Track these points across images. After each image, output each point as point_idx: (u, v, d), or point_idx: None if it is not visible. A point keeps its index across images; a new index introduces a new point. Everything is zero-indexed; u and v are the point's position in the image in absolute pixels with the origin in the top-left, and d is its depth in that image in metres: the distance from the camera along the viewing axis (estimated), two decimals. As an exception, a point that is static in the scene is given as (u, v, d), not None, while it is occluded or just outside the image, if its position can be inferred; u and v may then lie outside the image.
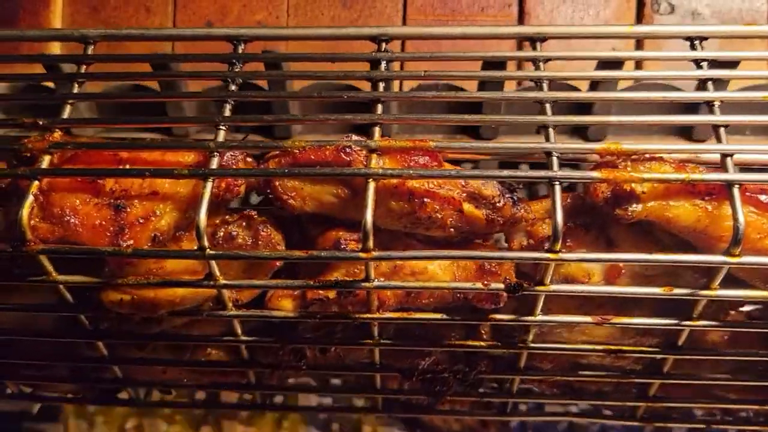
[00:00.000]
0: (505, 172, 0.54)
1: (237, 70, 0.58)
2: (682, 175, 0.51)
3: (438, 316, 0.62)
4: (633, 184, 0.52)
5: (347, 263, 0.59)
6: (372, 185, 0.52)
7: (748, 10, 0.87)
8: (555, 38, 0.62)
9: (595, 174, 0.52)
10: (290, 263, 0.60)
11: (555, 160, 0.52)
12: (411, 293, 0.62)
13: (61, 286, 0.58)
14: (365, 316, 0.61)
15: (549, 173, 0.51)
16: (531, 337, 0.64)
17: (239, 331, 0.64)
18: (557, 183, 0.51)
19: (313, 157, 0.55)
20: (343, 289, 0.57)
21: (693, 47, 0.58)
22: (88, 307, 0.60)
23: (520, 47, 0.86)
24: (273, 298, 0.62)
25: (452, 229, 0.57)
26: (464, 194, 0.57)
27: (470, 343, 0.66)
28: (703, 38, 0.59)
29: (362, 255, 0.52)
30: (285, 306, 0.62)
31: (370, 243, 0.51)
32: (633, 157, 0.53)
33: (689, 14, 0.87)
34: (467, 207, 0.58)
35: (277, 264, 0.59)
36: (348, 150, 0.54)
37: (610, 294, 0.57)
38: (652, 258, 0.52)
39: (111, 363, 0.68)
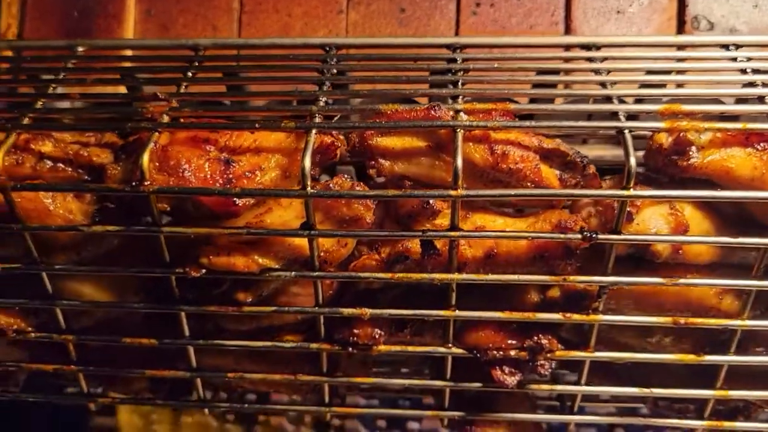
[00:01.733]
0: (580, 123, 0.68)
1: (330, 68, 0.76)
2: (739, 125, 0.65)
3: (514, 276, 0.73)
4: (693, 134, 0.66)
5: (430, 223, 0.72)
6: (460, 134, 0.66)
7: (782, 27, 1.06)
8: (608, 47, 0.79)
9: (660, 124, 0.66)
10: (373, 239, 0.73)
11: (622, 116, 0.66)
12: (490, 256, 0.74)
13: (162, 237, 0.69)
14: (446, 276, 0.72)
15: (619, 123, 0.66)
16: (601, 305, 0.74)
17: (320, 296, 0.74)
18: (627, 131, 0.65)
19: (405, 116, 0.69)
20: (428, 238, 0.69)
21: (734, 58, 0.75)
22: (182, 265, 0.71)
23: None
24: (359, 262, 0.74)
25: (530, 183, 0.70)
26: (540, 152, 0.71)
27: (542, 315, 0.76)
28: (739, 45, 0.76)
29: (452, 192, 0.65)
30: (369, 265, 0.74)
31: (460, 181, 0.64)
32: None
33: (727, 30, 1.07)
34: (543, 166, 0.71)
35: (368, 220, 0.71)
36: (437, 108, 0.69)
37: (681, 243, 0.69)
38: (719, 195, 0.65)
39: (190, 342, 0.78)
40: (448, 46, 0.82)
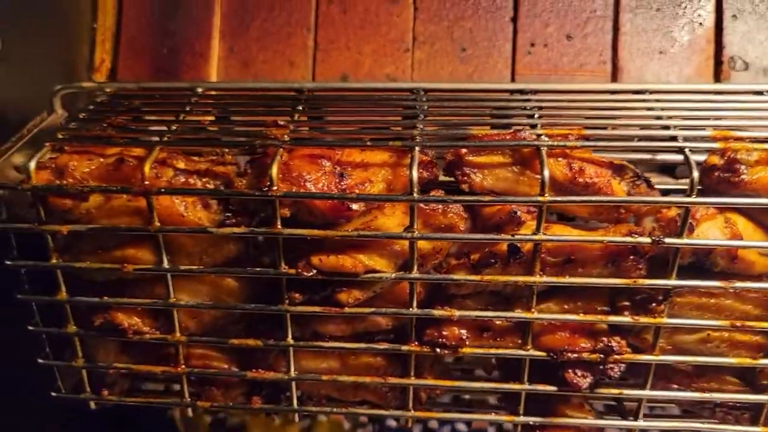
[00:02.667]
0: (646, 143, 0.83)
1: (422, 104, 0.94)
2: (783, 145, 0.81)
3: (591, 279, 0.87)
4: (743, 153, 0.81)
5: (515, 232, 0.86)
6: (544, 150, 0.81)
7: (810, 68, 1.23)
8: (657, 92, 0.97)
9: (714, 145, 0.82)
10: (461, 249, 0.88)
11: (681, 139, 0.82)
12: (567, 261, 0.87)
13: (280, 239, 0.83)
14: (529, 278, 0.86)
15: (680, 144, 0.81)
16: (666, 309, 0.87)
17: (415, 298, 0.88)
18: (687, 149, 0.80)
19: (495, 138, 0.85)
20: (516, 242, 0.83)
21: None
22: (292, 266, 0.85)
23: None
24: (450, 267, 0.88)
25: (603, 196, 0.85)
26: (610, 168, 0.86)
27: (614, 318, 0.90)
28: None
29: (540, 198, 0.80)
30: (460, 270, 0.88)
31: (547, 189, 0.79)
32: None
33: (761, 71, 1.23)
34: (613, 181, 0.86)
35: (461, 228, 0.85)
36: (522, 131, 0.85)
37: (738, 247, 0.83)
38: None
39: (293, 345, 0.91)
40: (521, 91, 0.99)
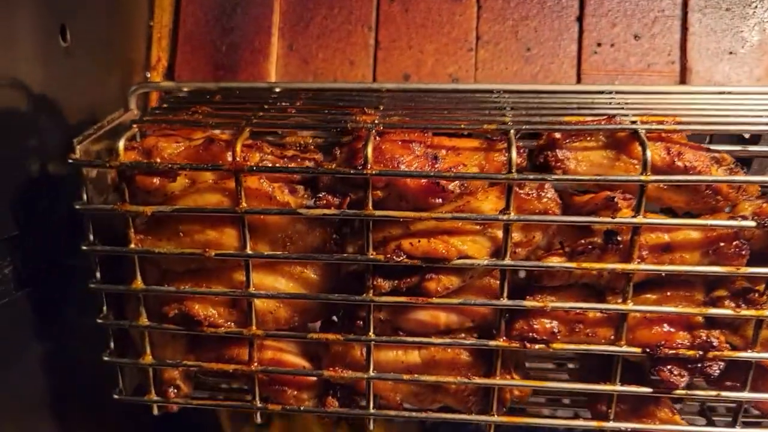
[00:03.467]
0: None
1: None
2: None
3: (692, 267, 0.86)
4: None
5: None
6: (643, 132, 0.82)
7: None
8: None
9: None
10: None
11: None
12: (665, 250, 0.87)
13: (370, 222, 0.83)
14: (626, 266, 0.86)
15: None
16: (770, 301, 0.87)
17: (506, 286, 0.87)
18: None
19: (589, 123, 0.86)
20: (614, 224, 0.83)
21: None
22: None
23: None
24: (544, 256, 0.88)
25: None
26: (709, 155, 0.87)
27: (714, 310, 0.89)
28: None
29: (642, 177, 0.81)
30: (553, 259, 0.87)
31: (649, 169, 0.79)
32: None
33: (831, 71, 1.25)
34: (713, 168, 0.87)
35: (556, 211, 0.86)
36: (616, 117, 0.86)
37: None
38: None
39: (374, 339, 0.90)
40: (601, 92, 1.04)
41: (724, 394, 0.94)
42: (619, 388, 0.92)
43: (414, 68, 1.30)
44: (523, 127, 0.87)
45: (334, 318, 0.98)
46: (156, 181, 0.83)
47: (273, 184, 0.86)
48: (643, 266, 0.86)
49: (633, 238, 0.85)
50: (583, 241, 0.87)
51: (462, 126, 0.88)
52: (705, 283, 0.93)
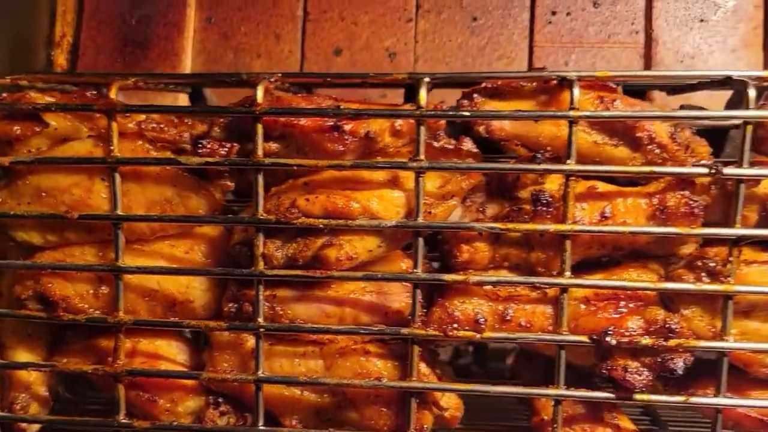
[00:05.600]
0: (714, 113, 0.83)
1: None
2: None
3: (635, 228, 0.79)
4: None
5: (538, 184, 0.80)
6: (572, 76, 0.76)
7: None
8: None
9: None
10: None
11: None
12: (603, 217, 0.80)
13: (260, 177, 0.77)
14: (560, 226, 0.78)
15: (742, 112, 0.77)
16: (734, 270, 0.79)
17: (420, 253, 0.80)
18: (751, 123, 0.77)
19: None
20: (543, 172, 0.76)
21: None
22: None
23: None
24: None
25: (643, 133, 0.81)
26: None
27: (672, 285, 0.81)
28: None
29: (571, 114, 0.76)
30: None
31: (576, 104, 0.73)
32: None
33: (817, 40, 1.20)
34: (656, 123, 0.81)
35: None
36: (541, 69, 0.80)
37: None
38: None
39: (263, 326, 0.82)
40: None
41: (694, 399, 0.83)
42: (561, 392, 0.81)
43: (347, 42, 1.25)
44: (437, 74, 0.81)
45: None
46: (17, 129, 0.78)
47: (155, 144, 0.81)
48: (578, 227, 0.79)
49: (566, 192, 0.78)
50: (508, 209, 0.81)
51: (370, 74, 0.83)
52: (660, 261, 0.86)
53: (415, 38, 1.25)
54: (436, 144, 0.81)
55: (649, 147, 0.83)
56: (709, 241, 0.86)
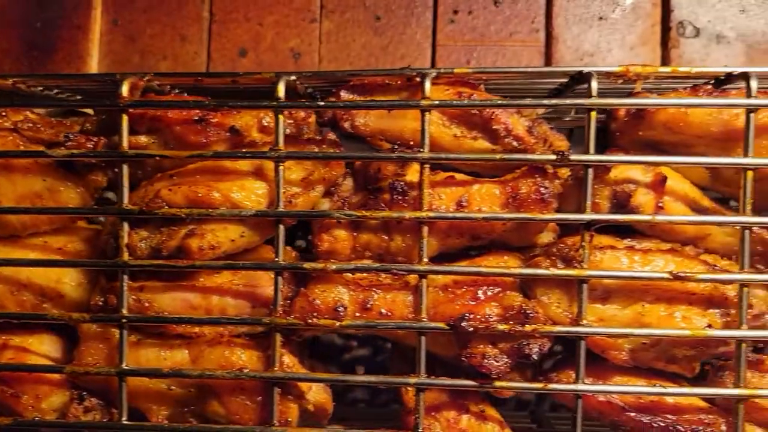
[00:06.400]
0: (554, 101, 0.88)
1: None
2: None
3: (488, 214, 0.83)
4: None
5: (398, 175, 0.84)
6: (430, 78, 0.82)
7: (770, 33, 1.24)
8: None
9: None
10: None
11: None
12: (460, 205, 0.85)
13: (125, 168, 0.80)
14: (417, 213, 0.82)
15: (587, 100, 0.83)
16: (586, 254, 0.83)
17: (281, 241, 0.83)
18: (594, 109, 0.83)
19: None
20: (398, 159, 0.80)
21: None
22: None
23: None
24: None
25: (500, 126, 0.87)
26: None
27: (528, 270, 0.85)
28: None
29: (423, 103, 0.79)
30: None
31: (428, 93, 0.77)
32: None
33: (714, 37, 1.25)
34: (514, 117, 0.88)
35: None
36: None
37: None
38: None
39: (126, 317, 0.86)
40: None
41: (552, 386, 0.87)
42: (424, 380, 0.84)
43: (252, 43, 1.29)
44: (303, 72, 0.87)
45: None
46: None
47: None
48: (432, 213, 0.83)
49: (421, 180, 0.83)
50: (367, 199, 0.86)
51: (240, 74, 0.90)
52: (522, 252, 0.91)
53: (319, 39, 1.29)
54: (301, 139, 0.87)
55: (507, 140, 0.89)
56: (566, 231, 0.91)
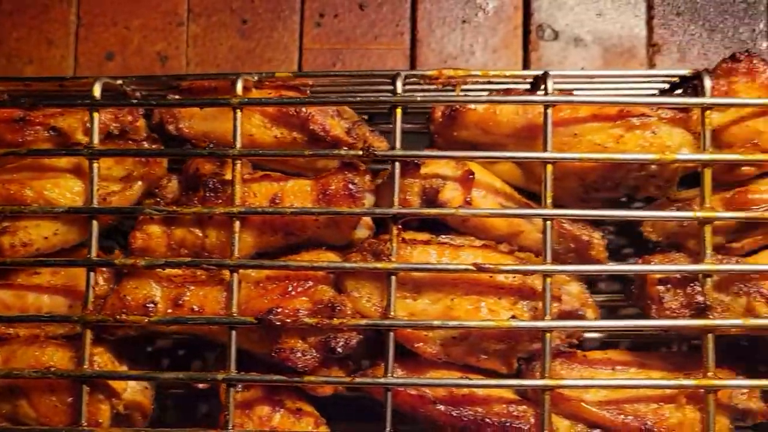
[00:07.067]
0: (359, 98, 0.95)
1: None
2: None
3: (295, 209, 0.87)
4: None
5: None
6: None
7: (628, 36, 1.30)
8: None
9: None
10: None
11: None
12: (274, 202, 0.88)
13: None
14: (229, 208, 0.85)
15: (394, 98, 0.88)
16: (394, 245, 0.86)
17: (94, 236, 0.86)
18: (399, 106, 0.87)
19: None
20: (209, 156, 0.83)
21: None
22: None
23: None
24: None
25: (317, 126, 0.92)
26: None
27: (336, 264, 0.89)
28: None
29: (233, 100, 0.86)
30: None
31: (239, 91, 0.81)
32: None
33: (572, 40, 1.30)
34: (333, 120, 0.93)
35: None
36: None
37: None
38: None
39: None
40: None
41: (359, 380, 0.89)
42: (234, 375, 0.86)
43: (119, 47, 1.32)
44: (128, 77, 0.95)
45: None
46: None
47: None
48: (246, 209, 0.87)
49: (233, 176, 0.87)
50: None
51: (67, 77, 0.95)
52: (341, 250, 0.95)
53: (186, 42, 1.32)
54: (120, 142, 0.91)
55: (327, 140, 0.92)
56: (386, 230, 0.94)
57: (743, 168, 0.89)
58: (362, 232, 0.93)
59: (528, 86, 0.98)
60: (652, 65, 1.29)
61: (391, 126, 0.88)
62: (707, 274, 0.86)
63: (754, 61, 0.91)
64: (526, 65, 1.31)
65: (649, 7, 1.30)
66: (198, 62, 1.32)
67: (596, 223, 0.99)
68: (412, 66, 1.32)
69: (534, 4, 1.31)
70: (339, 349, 0.88)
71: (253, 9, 1.32)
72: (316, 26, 1.32)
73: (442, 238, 0.93)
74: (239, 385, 0.90)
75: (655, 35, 1.30)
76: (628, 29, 1.31)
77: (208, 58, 1.32)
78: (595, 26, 1.31)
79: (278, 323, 0.87)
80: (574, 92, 0.96)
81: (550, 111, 0.87)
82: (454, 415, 0.90)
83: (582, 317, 0.92)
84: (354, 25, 1.32)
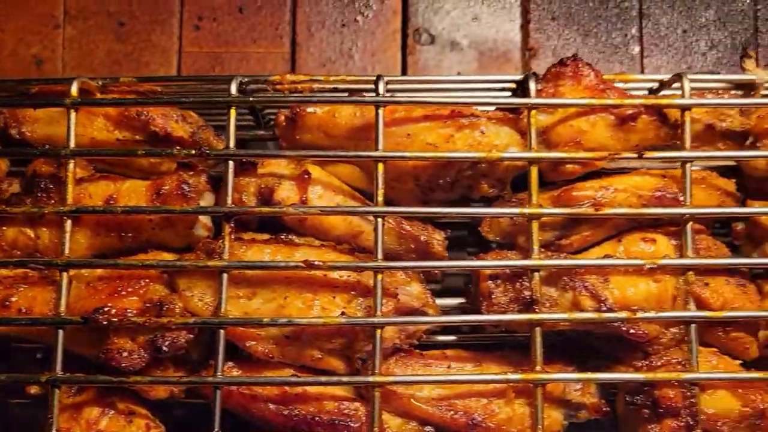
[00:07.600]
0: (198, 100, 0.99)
1: None
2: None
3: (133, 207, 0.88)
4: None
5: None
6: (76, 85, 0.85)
7: (503, 41, 1.33)
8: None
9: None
10: None
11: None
12: (109, 202, 0.89)
13: None
14: (63, 208, 0.86)
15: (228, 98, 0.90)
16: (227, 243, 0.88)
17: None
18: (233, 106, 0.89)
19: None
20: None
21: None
22: None
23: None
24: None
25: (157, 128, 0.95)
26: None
27: (164, 262, 0.90)
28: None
29: (66, 101, 0.85)
30: None
31: (74, 91, 0.82)
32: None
33: (448, 44, 1.33)
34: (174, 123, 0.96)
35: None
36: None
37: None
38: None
39: None
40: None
41: (189, 379, 0.91)
42: (59, 376, 0.86)
43: (-7, 49, 1.33)
44: None
45: None
46: None
47: None
48: (73, 207, 0.88)
49: (66, 176, 0.88)
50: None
51: None
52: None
53: (62, 45, 1.33)
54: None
55: (172, 143, 0.95)
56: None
57: (568, 166, 0.93)
58: (200, 233, 0.95)
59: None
60: (527, 69, 1.33)
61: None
62: (534, 269, 0.89)
63: (580, 66, 0.95)
64: (404, 70, 1.34)
65: (525, 12, 1.35)
66: (74, 66, 1.33)
67: (442, 226, 1.01)
68: (293, 69, 1.34)
69: (411, 8, 1.35)
70: (165, 348, 0.88)
71: (130, 12, 1.34)
72: (195, 29, 1.34)
73: (282, 238, 0.95)
74: (74, 388, 0.92)
75: (531, 39, 1.34)
76: (504, 33, 1.35)
77: (85, 61, 1.33)
78: (471, 30, 1.34)
79: (105, 322, 0.87)
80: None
81: (381, 111, 0.90)
82: (285, 414, 0.91)
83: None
84: (233, 29, 1.34)
